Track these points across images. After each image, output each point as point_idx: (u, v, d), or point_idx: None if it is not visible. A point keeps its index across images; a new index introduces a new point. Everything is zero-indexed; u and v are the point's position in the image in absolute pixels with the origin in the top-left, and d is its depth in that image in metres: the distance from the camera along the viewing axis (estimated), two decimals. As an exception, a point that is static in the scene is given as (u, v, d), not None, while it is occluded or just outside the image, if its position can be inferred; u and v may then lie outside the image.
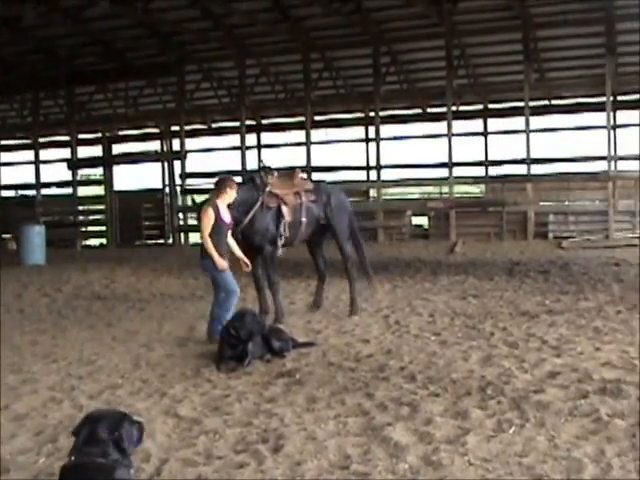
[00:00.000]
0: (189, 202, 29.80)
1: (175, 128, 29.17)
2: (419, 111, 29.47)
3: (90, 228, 31.92)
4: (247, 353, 7.87)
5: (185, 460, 5.20)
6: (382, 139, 26.30)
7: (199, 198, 10.80)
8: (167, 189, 28.83)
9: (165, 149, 30.64)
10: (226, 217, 9.36)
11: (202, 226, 9.17)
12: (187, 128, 29.26)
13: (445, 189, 27.57)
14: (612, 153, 24.14)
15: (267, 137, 31.28)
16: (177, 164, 28.15)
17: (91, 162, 31.55)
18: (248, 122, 28.74)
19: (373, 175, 26.87)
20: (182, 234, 28.22)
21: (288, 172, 11.17)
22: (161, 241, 29.45)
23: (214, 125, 32.16)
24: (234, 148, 29.25)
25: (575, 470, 4.74)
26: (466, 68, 26.66)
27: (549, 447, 5.14)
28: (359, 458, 5.10)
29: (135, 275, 17.30)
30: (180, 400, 6.69)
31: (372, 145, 26.95)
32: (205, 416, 6.19)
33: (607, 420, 5.60)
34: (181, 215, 28.64)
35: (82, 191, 32.00)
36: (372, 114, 26.90)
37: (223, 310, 9.17)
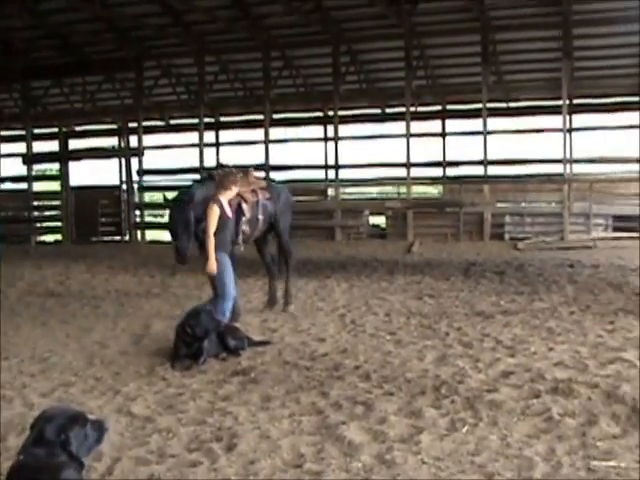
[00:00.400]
0: (147, 199, 29.70)
1: (133, 124, 28.93)
2: (378, 111, 29.55)
3: (45, 224, 31.52)
4: (202, 351, 7.85)
5: (138, 459, 5.16)
6: (341, 138, 26.33)
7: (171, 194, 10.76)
8: (124, 186, 28.59)
9: (122, 145, 30.34)
10: (229, 213, 9.31)
11: (208, 224, 9.01)
12: (145, 124, 29.03)
13: (403, 189, 27.65)
14: (567, 156, 24.43)
15: (226, 135, 31.17)
16: (134, 161, 27.89)
17: (47, 157, 31.18)
18: (207, 119, 28.58)
19: (331, 174, 26.87)
20: (139, 231, 28.00)
21: (243, 170, 11.14)
22: (118, 238, 29.20)
23: (172, 122, 31.96)
24: (192, 145, 29.08)
25: (526, 468, 4.80)
26: (425, 69, 26.79)
27: (501, 446, 5.20)
28: (313, 457, 5.11)
29: (90, 272, 17.15)
30: (134, 398, 6.64)
31: (331, 144, 26.96)
32: (159, 414, 6.15)
33: (558, 419, 5.67)
34: (138, 212, 28.40)
35: (37, 186, 31.62)
36: (331, 113, 26.92)
37: (219, 311, 9.02)
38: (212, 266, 9.06)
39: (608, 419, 5.65)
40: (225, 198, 9.23)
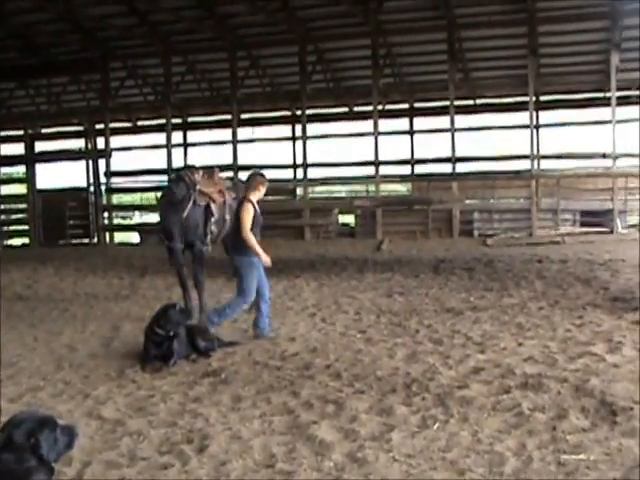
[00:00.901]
0: (114, 201, 29.49)
1: (100, 126, 28.74)
2: (345, 109, 29.59)
3: (12, 227, 31.25)
4: (172, 352, 7.81)
5: (108, 462, 5.11)
6: (309, 137, 26.34)
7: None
8: (92, 188, 28.39)
9: (89, 147, 30.10)
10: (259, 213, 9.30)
11: (243, 222, 9.00)
12: (112, 126, 28.86)
13: (372, 187, 27.72)
14: (535, 152, 24.62)
15: (193, 135, 31.06)
16: (102, 162, 27.71)
17: (13, 160, 30.87)
18: (174, 120, 28.47)
19: (300, 173, 26.87)
20: (107, 233, 27.81)
21: (208, 171, 11.11)
22: (86, 240, 28.98)
23: (139, 123, 31.80)
24: (160, 146, 28.94)
25: (497, 463, 4.81)
26: (392, 67, 26.87)
27: (472, 442, 5.21)
28: (284, 456, 5.09)
29: (58, 275, 17.01)
30: (104, 401, 6.58)
31: (299, 143, 26.95)
32: (129, 417, 6.11)
33: (528, 414, 5.69)
34: (106, 214, 28.20)
35: (4, 190, 31.35)
36: (299, 112, 26.91)
37: (230, 309, 9.21)
38: (266, 258, 9.12)
39: (577, 413, 5.68)
40: (255, 198, 9.23)
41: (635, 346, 7.78)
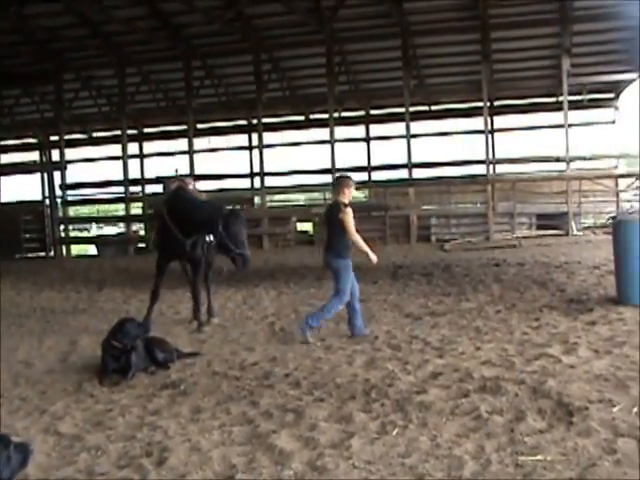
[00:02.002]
0: (71, 213, 29.22)
1: (54, 138, 28.49)
2: (302, 118, 29.66)
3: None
4: (130, 365, 7.73)
5: (65, 479, 5.06)
6: (265, 146, 26.35)
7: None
8: (47, 200, 28.10)
9: (44, 159, 29.84)
10: None
11: (348, 226, 9.19)
12: (67, 138, 28.63)
13: (329, 195, 27.77)
14: (490, 157, 24.87)
15: (149, 146, 30.93)
16: (57, 175, 27.43)
17: (-35, 174, 30.49)
18: (130, 131, 28.32)
19: (257, 182, 26.85)
20: (64, 246, 27.52)
21: (180, 179, 11.12)
22: (42, 254, 28.67)
23: (95, 134, 31.59)
24: (116, 158, 28.77)
25: (456, 467, 4.84)
26: (347, 75, 27.01)
27: (431, 446, 5.23)
28: (244, 467, 5.07)
29: (14, 289, 16.76)
30: (61, 417, 6.50)
31: (255, 152, 26.94)
32: (87, 432, 6.04)
33: (486, 417, 5.73)
34: (62, 227, 27.91)
35: (-43, 204, 30.90)
36: (255, 121, 26.92)
37: (326, 310, 9.43)
38: (373, 256, 9.38)
39: (535, 414, 5.73)
40: (346, 201, 9.39)
41: (590, 347, 7.88)
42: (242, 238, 9.87)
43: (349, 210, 9.26)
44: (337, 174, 10.37)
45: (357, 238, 9.25)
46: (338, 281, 9.38)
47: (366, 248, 9.32)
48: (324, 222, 9.68)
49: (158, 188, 29.15)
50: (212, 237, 10.09)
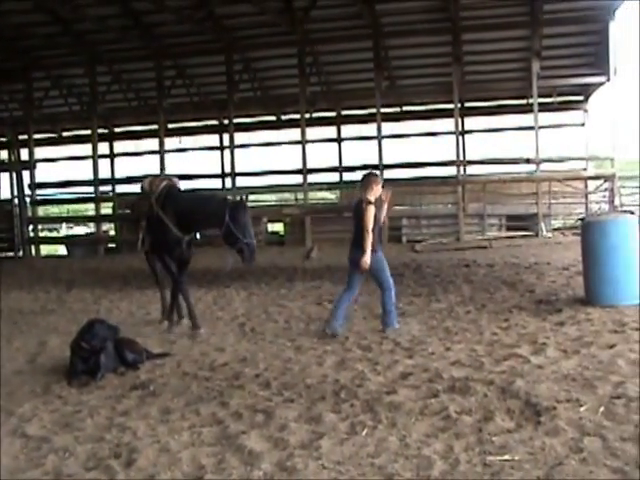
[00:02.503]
0: (40, 213, 28.97)
1: (23, 137, 28.21)
2: (273, 118, 29.64)
3: None
4: (99, 366, 7.68)
5: (32, 481, 5.03)
6: (236, 146, 26.29)
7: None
8: (16, 200, 27.81)
9: (13, 159, 29.53)
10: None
11: (366, 222, 9.33)
12: (36, 137, 28.39)
13: (300, 195, 27.81)
14: (461, 158, 24.99)
15: (120, 146, 30.78)
16: (26, 174, 27.18)
17: None
18: (100, 130, 28.14)
19: (228, 183, 26.80)
20: (33, 246, 27.28)
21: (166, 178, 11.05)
22: (10, 254, 28.36)
23: (65, 134, 31.35)
24: (86, 157, 28.57)
25: (425, 467, 4.86)
26: (319, 75, 27.03)
27: (400, 446, 5.25)
28: (213, 467, 5.06)
29: (-18, 290, 16.60)
30: (29, 419, 6.44)
31: (227, 152, 26.89)
32: (55, 434, 5.99)
33: (455, 417, 5.76)
34: (31, 227, 27.66)
35: None
36: (226, 121, 26.86)
37: (384, 305, 9.76)
38: (367, 261, 9.40)
39: (503, 414, 5.77)
40: (372, 198, 9.47)
41: (558, 347, 7.95)
42: (249, 228, 10.00)
43: (371, 207, 9.40)
44: (365, 171, 10.48)
45: (367, 236, 9.37)
46: (378, 275, 9.68)
47: (367, 250, 9.37)
48: (352, 217, 9.85)
49: (129, 188, 29.12)
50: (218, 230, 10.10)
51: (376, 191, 9.58)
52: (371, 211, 9.37)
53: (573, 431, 5.26)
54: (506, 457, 4.90)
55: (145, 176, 11.48)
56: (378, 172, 10.41)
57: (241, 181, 26.63)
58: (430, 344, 8.60)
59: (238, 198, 10.61)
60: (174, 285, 10.69)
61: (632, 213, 11.53)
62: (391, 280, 9.68)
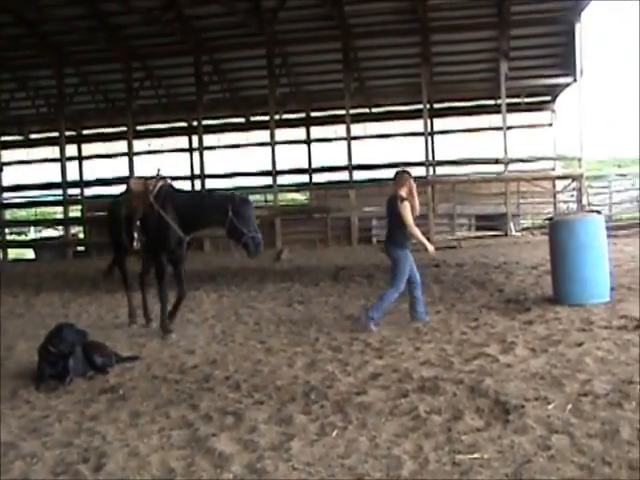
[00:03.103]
0: (8, 216, 28.70)
1: (-10, 140, 27.99)
2: (242, 120, 29.59)
3: None
4: (68, 371, 7.62)
5: (0, 488, 4.97)
6: (206, 148, 26.21)
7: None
8: (-17, 203, 27.60)
9: (-21, 162, 29.28)
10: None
11: (406, 217, 9.80)
12: (3, 139, 28.15)
13: (270, 197, 27.79)
14: (430, 158, 25.10)
15: (88, 148, 30.58)
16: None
17: None
18: (68, 133, 27.92)
19: (197, 185, 26.70)
20: (0, 250, 27.03)
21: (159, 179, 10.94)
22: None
23: (32, 136, 31.08)
24: (54, 160, 28.35)
25: (394, 467, 4.86)
26: (288, 77, 27.02)
27: (370, 447, 5.25)
28: (183, 471, 5.03)
29: (-52, 295, 16.40)
30: (-4, 424, 6.38)
31: (196, 154, 26.81)
32: (22, 439, 5.92)
33: (425, 417, 5.77)
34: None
35: None
36: (195, 123, 26.78)
37: (384, 298, 9.89)
38: (431, 247, 10.23)
39: (472, 413, 5.79)
40: (405, 194, 9.86)
41: (527, 346, 7.99)
42: (253, 222, 10.07)
43: (406, 203, 9.80)
44: (398, 168, 10.69)
45: (414, 230, 9.88)
46: (396, 270, 9.94)
47: (423, 239, 10.06)
48: (385, 214, 10.24)
49: (98, 190, 28.95)
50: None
51: (408, 187, 9.91)
52: (407, 207, 9.79)
53: (541, 429, 5.30)
54: (475, 456, 4.92)
55: (127, 177, 11.36)
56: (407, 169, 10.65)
57: (210, 183, 26.57)
58: (400, 344, 8.62)
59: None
60: (161, 286, 10.59)
61: (599, 212, 11.64)
62: (403, 282, 9.93)
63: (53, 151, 28.75)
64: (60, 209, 29.71)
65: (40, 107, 29.43)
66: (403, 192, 9.85)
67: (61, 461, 5.37)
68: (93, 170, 30.19)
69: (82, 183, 29.56)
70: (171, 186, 10.72)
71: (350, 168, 24.45)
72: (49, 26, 23.92)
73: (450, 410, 5.90)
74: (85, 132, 30.90)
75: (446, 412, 5.87)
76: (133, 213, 10.45)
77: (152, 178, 10.58)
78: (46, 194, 29.06)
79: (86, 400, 7.00)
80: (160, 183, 10.51)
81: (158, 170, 10.66)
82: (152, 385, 7.37)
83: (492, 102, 27.41)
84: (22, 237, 36.17)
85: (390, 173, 26.23)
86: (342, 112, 25.06)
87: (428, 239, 9.96)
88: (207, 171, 25.89)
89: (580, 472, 4.57)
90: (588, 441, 5.00)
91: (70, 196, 27.85)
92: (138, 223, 10.36)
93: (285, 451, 5.26)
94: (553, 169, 27.22)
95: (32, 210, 36.54)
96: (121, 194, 11.41)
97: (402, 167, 10.92)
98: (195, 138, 27.07)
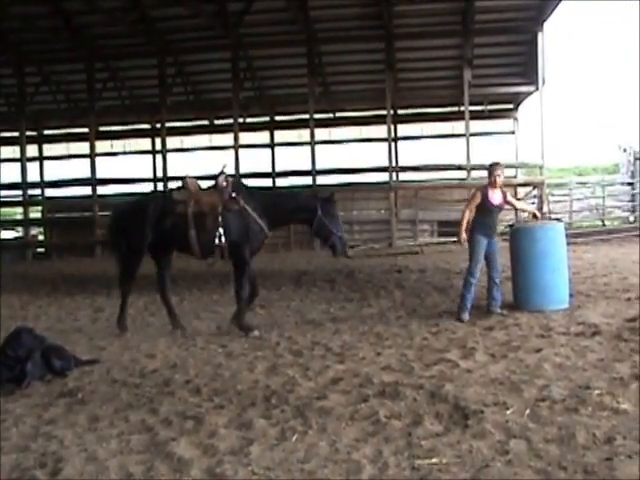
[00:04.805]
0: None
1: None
2: (206, 123, 29.49)
3: None
4: (26, 374, 7.53)
5: (-47, 494, 4.90)
6: (169, 150, 26.09)
7: None
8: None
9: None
10: (495, 200, 10.47)
11: (467, 203, 10.65)
12: (-39, 139, 27.79)
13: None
14: (393, 164, 25.19)
15: (50, 148, 30.29)
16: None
17: None
18: (29, 133, 27.62)
19: (160, 187, 26.53)
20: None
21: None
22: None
23: (-8, 135, 30.71)
24: (14, 160, 28.02)
25: (354, 472, 4.88)
26: (252, 80, 26.98)
27: (330, 451, 5.26)
28: (142, 475, 5.00)
29: None
30: (-49, 428, 6.29)
31: (159, 157, 26.65)
32: (-22, 443, 5.86)
33: (385, 421, 5.80)
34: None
35: None
36: (158, 125, 26.63)
37: (463, 286, 10.55)
38: (462, 236, 10.47)
39: (432, 418, 5.83)
40: (492, 187, 10.52)
41: (487, 351, 8.07)
42: (340, 222, 10.38)
43: (476, 193, 10.51)
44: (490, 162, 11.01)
45: (462, 215, 10.51)
46: (470, 254, 10.48)
47: (462, 225, 10.40)
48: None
49: (58, 192, 28.65)
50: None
51: (500, 179, 10.56)
52: (474, 196, 10.51)
53: (499, 434, 5.35)
54: (434, 460, 4.96)
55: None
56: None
57: (173, 186, 26.36)
58: (361, 349, 8.65)
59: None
60: (241, 283, 10.47)
61: (559, 220, 11.77)
62: (475, 267, 10.45)
63: (14, 151, 28.40)
64: (20, 210, 29.37)
65: (0, 106, 29.09)
66: (490, 185, 10.53)
67: (17, 466, 5.31)
68: (54, 171, 29.90)
69: (43, 184, 29.25)
70: (242, 183, 10.90)
71: (314, 172, 24.45)
72: (9, 23, 23.65)
73: (410, 415, 5.94)
74: (46, 132, 30.58)
75: (406, 417, 5.90)
76: (208, 210, 10.13)
77: (219, 175, 10.38)
78: (6, 194, 28.70)
79: (44, 404, 6.93)
80: (231, 180, 10.39)
81: (224, 166, 10.52)
82: (111, 389, 7.32)
83: (455, 109, 27.57)
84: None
85: (354, 178, 26.47)
86: (306, 116, 25.07)
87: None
88: (170, 173, 25.72)
89: (537, 476, 4.63)
90: (545, 446, 5.07)
91: (30, 196, 27.55)
92: (220, 219, 10.15)
93: (245, 455, 5.26)
94: (515, 176, 27.44)
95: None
96: (148, 193, 11.23)
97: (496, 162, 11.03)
98: (158, 140, 26.92)
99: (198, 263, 11.40)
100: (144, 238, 10.26)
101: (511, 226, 11.49)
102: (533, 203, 26.03)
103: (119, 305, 10.73)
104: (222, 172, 10.38)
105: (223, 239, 10.13)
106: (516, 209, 10.99)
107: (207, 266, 10.88)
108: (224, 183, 10.23)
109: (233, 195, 10.14)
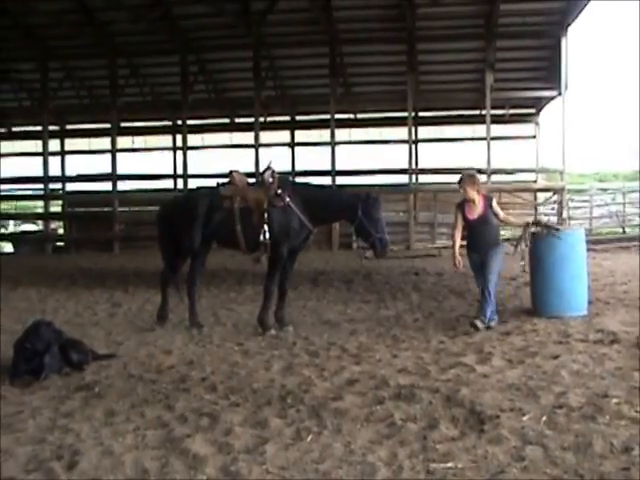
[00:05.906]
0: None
1: (-29, 132, 27.79)
2: (227, 121, 29.54)
3: None
4: (44, 367, 7.57)
5: (-30, 484, 4.91)
6: (189, 148, 26.15)
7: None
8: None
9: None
10: (473, 214, 10.47)
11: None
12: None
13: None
14: (413, 166, 25.15)
15: (71, 143, 30.44)
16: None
17: None
18: (51, 127, 27.77)
19: (180, 184, 26.64)
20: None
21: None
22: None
23: (15, 129, 30.88)
24: (36, 154, 28.18)
25: (368, 474, 4.86)
26: (274, 80, 27.01)
27: (345, 453, 5.24)
28: (157, 471, 5.00)
29: None
30: (-32, 418, 6.32)
31: (179, 154, 26.74)
32: (-5, 435, 5.89)
33: (400, 424, 5.77)
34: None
35: None
36: (180, 122, 26.71)
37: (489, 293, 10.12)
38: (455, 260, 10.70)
39: (447, 422, 5.80)
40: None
41: (504, 356, 8.03)
42: (382, 223, 10.12)
43: (455, 211, 10.67)
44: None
45: (453, 239, 10.91)
46: (489, 265, 10.41)
47: (454, 252, 10.71)
48: None
49: (79, 186, 28.78)
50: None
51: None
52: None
53: (515, 440, 5.31)
54: (449, 465, 4.93)
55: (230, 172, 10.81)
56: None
57: (193, 183, 26.47)
58: (377, 351, 8.62)
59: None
60: (273, 280, 10.63)
61: (558, 230, 11.58)
62: (492, 281, 10.27)
63: (36, 145, 28.57)
64: (41, 203, 29.53)
65: (23, 100, 29.26)
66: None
67: (34, 458, 5.32)
68: (75, 165, 30.04)
69: (64, 178, 29.41)
70: (287, 179, 10.85)
71: (333, 173, 24.45)
72: (34, 19, 23.78)
73: (425, 418, 5.90)
74: (68, 127, 30.72)
75: (421, 420, 5.87)
76: (254, 206, 10.15)
77: (265, 171, 10.39)
78: (27, 188, 28.88)
79: (61, 397, 6.95)
80: (277, 176, 10.39)
81: (270, 162, 10.49)
82: (128, 384, 7.32)
83: (477, 112, 27.48)
84: (1, 230, 35.86)
85: (374, 179, 26.48)
86: (327, 117, 25.08)
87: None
88: (190, 171, 25.80)
89: (553, 484, 4.60)
90: (561, 453, 5.03)
91: (51, 191, 27.70)
92: (266, 215, 10.13)
93: (259, 454, 5.24)
94: (535, 181, 27.36)
95: (12, 203, 36.30)
96: (196, 189, 11.27)
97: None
98: (179, 137, 27.00)
99: (214, 262, 11.40)
100: (194, 238, 10.36)
101: (533, 233, 11.29)
102: (553, 209, 25.96)
103: (160, 299, 10.98)
104: (269, 167, 10.35)
105: (267, 235, 10.13)
106: (500, 221, 10.63)
107: (252, 261, 10.76)
108: (270, 179, 10.22)
109: (279, 192, 10.12)
